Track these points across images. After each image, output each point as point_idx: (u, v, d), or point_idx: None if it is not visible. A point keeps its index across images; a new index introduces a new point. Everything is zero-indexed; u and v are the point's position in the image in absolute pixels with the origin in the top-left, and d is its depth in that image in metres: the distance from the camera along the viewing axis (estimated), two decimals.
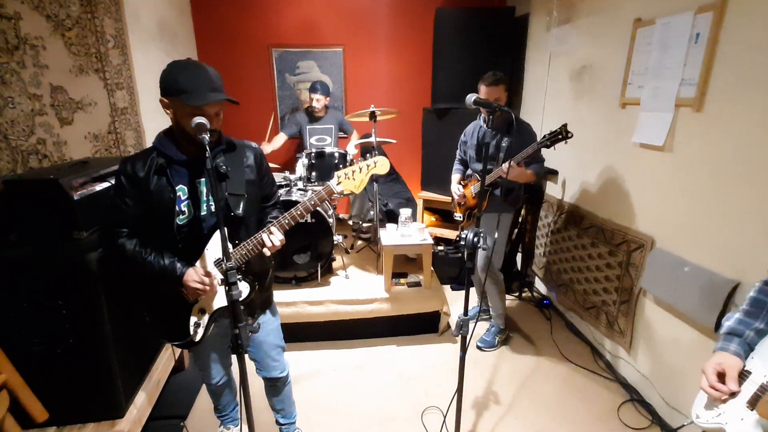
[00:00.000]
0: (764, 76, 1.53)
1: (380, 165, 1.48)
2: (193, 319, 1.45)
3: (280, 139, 3.63)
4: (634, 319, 2.26)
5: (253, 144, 1.54)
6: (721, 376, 1.12)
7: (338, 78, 4.14)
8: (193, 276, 1.36)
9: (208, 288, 1.37)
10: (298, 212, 1.43)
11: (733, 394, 1.09)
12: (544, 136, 2.15)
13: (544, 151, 2.27)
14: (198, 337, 1.46)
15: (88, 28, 2.20)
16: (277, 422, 1.91)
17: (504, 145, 2.32)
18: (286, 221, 1.43)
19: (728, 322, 1.21)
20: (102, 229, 1.49)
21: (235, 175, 1.42)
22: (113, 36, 2.42)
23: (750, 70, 1.59)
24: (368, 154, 1.49)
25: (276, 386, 1.79)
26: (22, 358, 1.49)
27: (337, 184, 1.45)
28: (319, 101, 3.51)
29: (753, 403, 1.05)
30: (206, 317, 1.45)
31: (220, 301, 1.44)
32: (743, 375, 1.10)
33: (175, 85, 1.26)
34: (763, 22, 1.53)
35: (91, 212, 1.60)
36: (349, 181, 1.46)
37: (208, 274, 1.38)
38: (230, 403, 1.94)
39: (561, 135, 2.10)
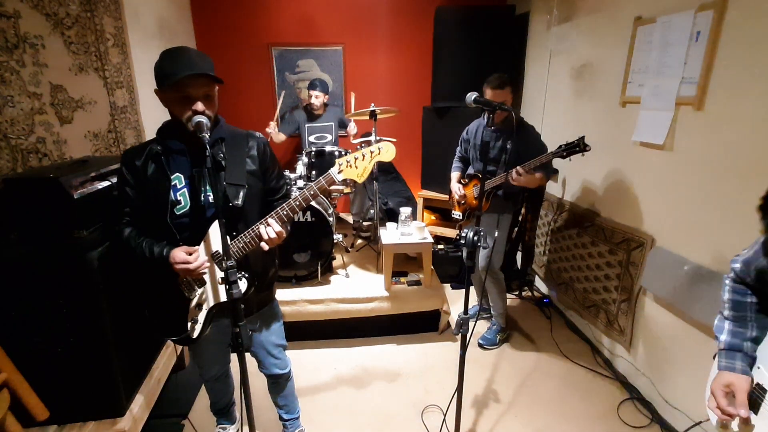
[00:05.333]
0: (765, 75, 1.53)
1: (385, 151, 1.38)
2: (190, 316, 1.43)
3: (280, 137, 3.63)
4: (634, 318, 2.27)
5: (258, 134, 1.50)
6: (732, 397, 1.08)
7: (338, 76, 4.13)
8: (176, 256, 1.31)
9: (194, 265, 1.30)
10: (297, 203, 1.37)
11: (745, 420, 1.06)
12: (560, 146, 2.12)
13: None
14: (195, 334, 1.44)
15: (88, 27, 2.20)
16: (281, 418, 1.90)
17: (508, 147, 2.30)
18: (285, 212, 1.37)
19: (723, 336, 1.18)
20: (110, 219, 1.49)
21: (235, 165, 1.39)
22: (113, 35, 2.42)
23: (750, 69, 1.59)
24: None
25: (278, 383, 1.80)
26: (22, 357, 1.49)
27: (339, 172, 1.38)
28: (318, 98, 3.51)
29: None
30: (203, 313, 1.43)
31: (216, 297, 1.42)
32: (756, 392, 1.06)
33: (160, 72, 1.27)
34: (764, 21, 1.53)
35: (91, 211, 1.59)
36: (352, 169, 1.37)
37: (194, 251, 1.33)
38: (227, 400, 1.93)
39: (578, 147, 2.07)
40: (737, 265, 1.17)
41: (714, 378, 1.16)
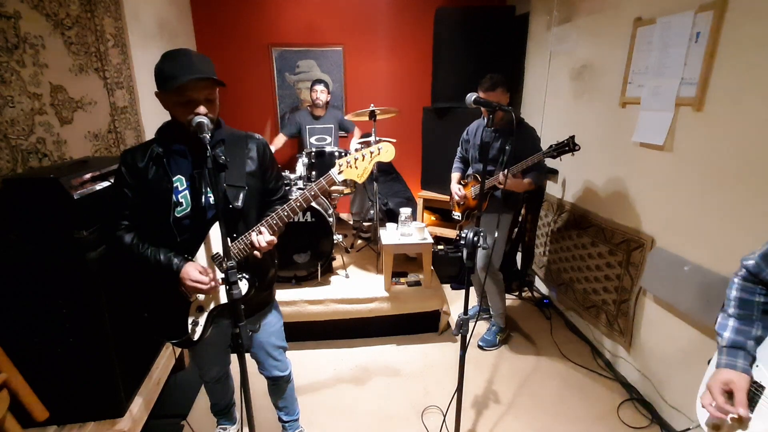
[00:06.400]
0: (764, 76, 1.53)
1: (385, 152, 1.40)
2: (191, 318, 1.43)
3: (280, 140, 3.64)
4: (633, 319, 2.27)
5: (257, 135, 1.51)
6: (728, 395, 1.06)
7: (338, 77, 4.14)
8: (190, 273, 1.32)
9: (207, 286, 1.32)
10: (298, 203, 1.38)
11: (740, 419, 1.03)
12: (551, 146, 2.13)
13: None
14: (196, 336, 1.44)
15: (88, 27, 2.20)
16: (280, 420, 1.90)
17: (507, 147, 2.30)
18: (285, 213, 1.38)
19: (726, 333, 1.15)
20: (105, 221, 1.48)
21: (235, 166, 1.39)
22: (113, 35, 2.42)
23: (750, 70, 1.59)
24: None
25: (278, 385, 1.79)
26: (22, 357, 1.48)
27: (339, 173, 1.39)
28: (323, 92, 3.53)
29: None
30: (204, 316, 1.43)
31: (217, 299, 1.42)
32: (755, 389, 1.05)
33: (161, 74, 1.27)
34: (764, 21, 1.53)
35: (91, 211, 1.59)
36: (352, 169, 1.39)
37: (207, 271, 1.34)
38: (227, 401, 1.93)
39: (568, 147, 2.08)
40: (750, 262, 1.14)
41: (711, 374, 1.14)
